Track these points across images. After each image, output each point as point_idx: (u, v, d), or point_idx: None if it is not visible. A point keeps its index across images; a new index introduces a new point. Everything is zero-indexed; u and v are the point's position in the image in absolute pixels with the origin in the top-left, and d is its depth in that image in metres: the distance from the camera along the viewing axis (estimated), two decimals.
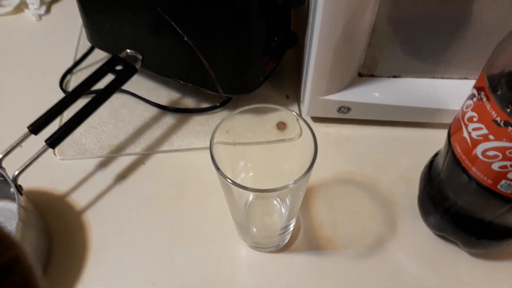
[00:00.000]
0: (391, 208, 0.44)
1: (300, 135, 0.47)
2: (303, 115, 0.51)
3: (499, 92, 0.29)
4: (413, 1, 0.39)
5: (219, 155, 0.34)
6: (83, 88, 0.42)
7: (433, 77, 0.47)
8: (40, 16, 0.62)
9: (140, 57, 0.44)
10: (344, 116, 0.48)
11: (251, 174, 0.40)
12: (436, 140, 0.43)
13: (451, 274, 0.40)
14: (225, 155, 0.37)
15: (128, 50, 0.45)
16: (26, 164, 0.38)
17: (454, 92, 0.46)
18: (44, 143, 0.39)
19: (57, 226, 0.43)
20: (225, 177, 0.32)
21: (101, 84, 0.44)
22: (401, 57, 0.45)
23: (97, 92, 0.42)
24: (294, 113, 0.36)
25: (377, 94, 0.46)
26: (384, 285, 0.39)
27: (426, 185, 0.40)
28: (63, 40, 0.59)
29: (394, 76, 0.47)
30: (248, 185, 0.32)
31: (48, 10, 0.63)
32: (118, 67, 0.44)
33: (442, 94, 0.46)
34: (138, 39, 0.46)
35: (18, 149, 0.40)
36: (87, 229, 0.43)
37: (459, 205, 0.36)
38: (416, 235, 0.42)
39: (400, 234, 0.42)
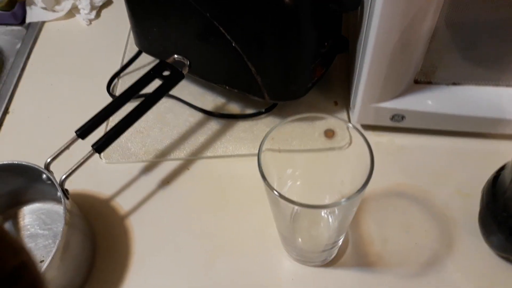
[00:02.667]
0: (448, 225, 0.41)
1: (350, 144, 0.45)
2: (353, 123, 0.49)
3: None
4: (477, 4, 0.36)
5: (265, 163, 0.33)
6: (130, 93, 0.42)
7: (497, 85, 0.43)
8: (90, 21, 0.63)
9: (187, 62, 0.44)
10: (398, 124, 0.46)
11: (298, 183, 0.38)
12: (499, 152, 0.40)
13: None
14: (271, 162, 0.35)
15: (176, 56, 0.44)
16: (73, 168, 0.38)
17: None
18: (91, 148, 0.39)
19: (101, 230, 0.43)
20: (272, 188, 0.30)
21: (147, 90, 0.43)
22: (462, 63, 0.42)
23: (144, 97, 0.42)
24: (346, 123, 0.34)
25: (434, 103, 0.43)
26: None
27: (489, 202, 0.37)
28: (111, 44, 0.60)
29: (454, 84, 0.44)
30: (295, 195, 0.30)
31: (98, 15, 0.64)
32: (165, 73, 0.43)
33: (507, 103, 0.43)
34: (186, 44, 0.46)
35: (66, 152, 0.40)
36: (130, 233, 0.42)
37: None
38: (476, 255, 0.39)
39: (457, 253, 0.39)
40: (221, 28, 0.41)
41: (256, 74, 0.43)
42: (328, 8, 0.41)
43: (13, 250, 0.20)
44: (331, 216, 0.38)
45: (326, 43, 0.45)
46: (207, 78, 0.48)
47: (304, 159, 0.41)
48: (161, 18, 0.46)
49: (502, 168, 0.37)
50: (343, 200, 0.30)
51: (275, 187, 0.31)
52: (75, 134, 0.40)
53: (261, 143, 0.32)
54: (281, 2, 0.38)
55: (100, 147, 0.39)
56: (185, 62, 0.44)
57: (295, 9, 0.39)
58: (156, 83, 0.43)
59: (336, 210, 0.36)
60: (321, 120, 0.38)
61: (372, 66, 0.40)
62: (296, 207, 0.38)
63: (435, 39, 0.39)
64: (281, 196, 0.30)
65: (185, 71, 0.43)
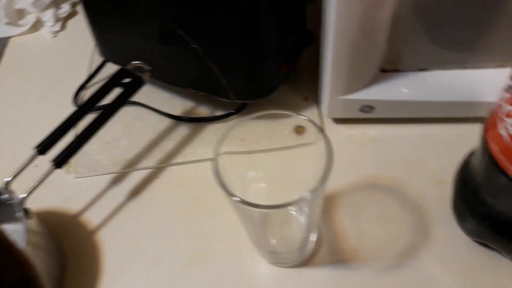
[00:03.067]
0: (423, 214, 0.40)
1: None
2: (324, 117, 0.48)
3: None
4: None
5: (226, 167, 0.32)
6: (90, 104, 0.41)
7: (464, 68, 0.42)
8: (55, 33, 0.62)
9: (148, 68, 0.43)
10: (368, 115, 0.45)
11: (264, 184, 0.37)
12: (472, 136, 0.38)
13: (493, 285, 0.36)
14: (234, 166, 0.34)
15: (135, 62, 0.43)
16: (34, 186, 0.37)
17: (489, 82, 0.42)
18: (50, 163, 0.38)
19: (70, 247, 0.41)
20: (231, 194, 0.29)
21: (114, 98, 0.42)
22: (428, 48, 0.41)
23: (105, 107, 0.41)
24: (306, 119, 0.33)
25: (402, 90, 0.42)
26: None
27: (460, 188, 0.36)
28: (78, 56, 0.59)
29: (421, 70, 0.43)
30: (261, 197, 0.29)
31: (63, 27, 0.63)
32: (126, 80, 0.42)
33: (476, 86, 0.42)
34: (146, 49, 0.45)
35: (33, 169, 0.39)
36: (100, 249, 0.41)
37: (499, 210, 0.32)
38: (452, 243, 0.38)
39: (434, 243, 0.38)
40: (179, 31, 0.40)
41: (219, 75, 0.42)
42: (288, 0, 0.41)
43: (17, 262, 0.21)
44: (300, 213, 0.37)
45: (290, 38, 0.44)
46: (172, 82, 0.47)
47: (272, 158, 0.41)
48: (119, 24, 0.45)
49: (472, 153, 0.36)
50: (307, 194, 0.29)
51: (238, 192, 0.30)
52: (35, 150, 0.39)
53: (217, 147, 0.31)
54: None
55: (60, 161, 0.38)
56: (146, 68, 0.43)
57: (253, 5, 0.38)
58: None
59: (303, 205, 0.35)
60: (287, 117, 0.37)
61: (335, 57, 0.39)
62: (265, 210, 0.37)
63: (397, 25, 0.38)
64: (242, 201, 0.29)
65: (145, 77, 0.42)
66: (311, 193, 0.29)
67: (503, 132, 0.28)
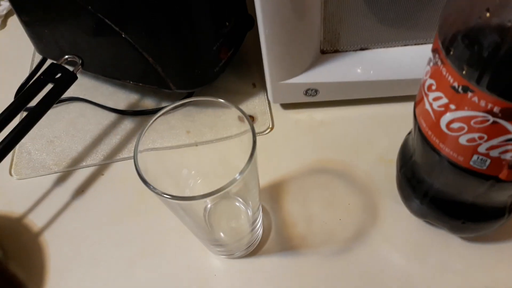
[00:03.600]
0: (372, 195, 0.40)
1: (270, 127, 0.44)
2: (272, 103, 0.47)
3: (452, 53, 0.24)
4: None
5: (156, 165, 0.31)
6: (21, 103, 0.39)
7: (406, 45, 0.42)
8: None
9: (80, 61, 0.41)
10: (313, 99, 0.44)
11: (199, 181, 0.36)
12: None
13: (441, 262, 0.35)
14: (166, 163, 0.33)
15: (67, 56, 0.41)
16: None
17: None
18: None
19: (14, 252, 0.40)
20: (160, 193, 0.28)
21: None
22: (366, 26, 0.40)
23: (30, 108, 0.39)
24: (236, 109, 0.32)
25: (343, 71, 0.42)
26: (367, 282, 0.35)
27: (401, 167, 0.36)
28: (20, 54, 0.57)
29: (362, 49, 0.42)
30: (200, 193, 0.28)
31: (3, 24, 0.61)
32: (58, 75, 0.40)
33: (418, 62, 0.41)
34: (78, 42, 0.43)
35: None
36: (44, 251, 0.40)
37: (436, 188, 0.32)
38: (400, 223, 0.38)
39: (382, 223, 0.38)
40: (107, 20, 0.39)
41: (155, 64, 0.41)
42: None
43: (13, 285, 0.21)
44: (248, 208, 0.37)
45: (227, 23, 0.43)
46: (109, 75, 0.46)
47: (212, 150, 0.39)
48: (47, 17, 0.43)
49: (410, 132, 0.36)
50: (237, 176, 0.28)
51: (174, 191, 0.28)
52: None
53: (136, 143, 0.30)
54: None
55: None
56: (77, 61, 0.41)
57: None
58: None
59: (245, 194, 0.34)
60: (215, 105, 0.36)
61: (269, 40, 0.38)
62: (208, 205, 0.36)
63: (329, 2, 0.37)
64: (175, 197, 0.28)
65: (76, 71, 0.40)
66: (239, 174, 0.28)
67: (428, 107, 0.27)
